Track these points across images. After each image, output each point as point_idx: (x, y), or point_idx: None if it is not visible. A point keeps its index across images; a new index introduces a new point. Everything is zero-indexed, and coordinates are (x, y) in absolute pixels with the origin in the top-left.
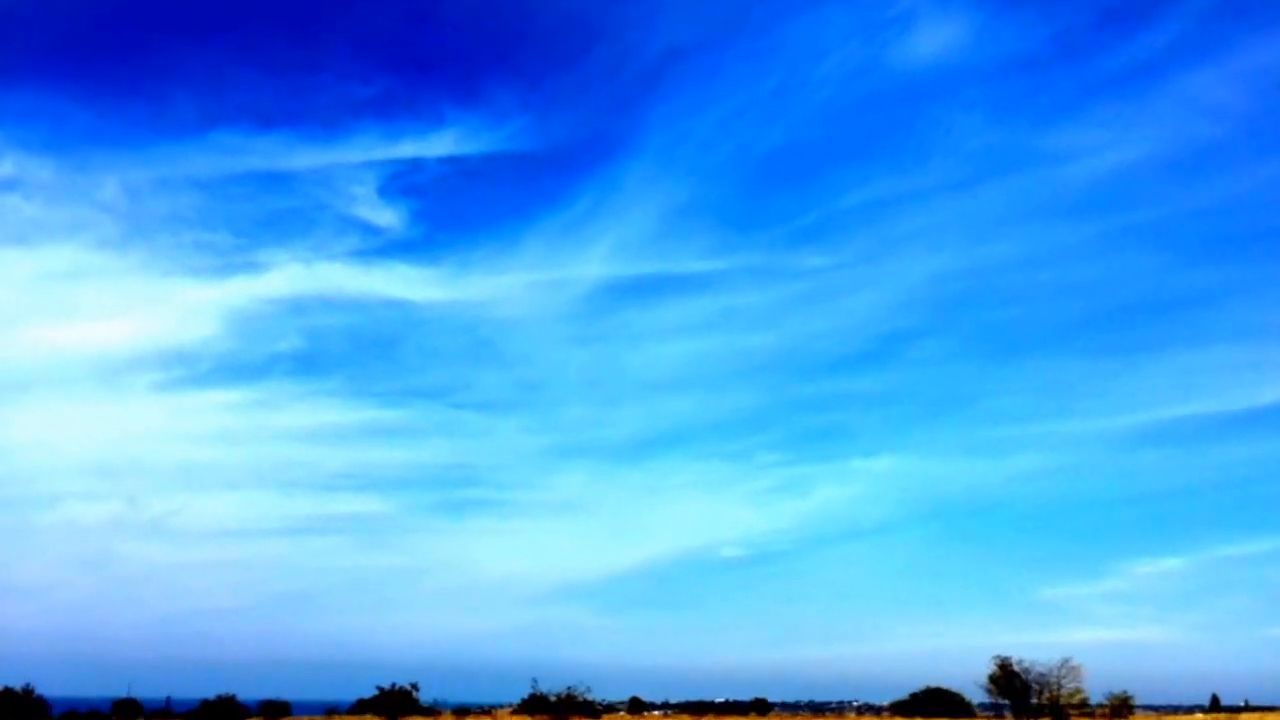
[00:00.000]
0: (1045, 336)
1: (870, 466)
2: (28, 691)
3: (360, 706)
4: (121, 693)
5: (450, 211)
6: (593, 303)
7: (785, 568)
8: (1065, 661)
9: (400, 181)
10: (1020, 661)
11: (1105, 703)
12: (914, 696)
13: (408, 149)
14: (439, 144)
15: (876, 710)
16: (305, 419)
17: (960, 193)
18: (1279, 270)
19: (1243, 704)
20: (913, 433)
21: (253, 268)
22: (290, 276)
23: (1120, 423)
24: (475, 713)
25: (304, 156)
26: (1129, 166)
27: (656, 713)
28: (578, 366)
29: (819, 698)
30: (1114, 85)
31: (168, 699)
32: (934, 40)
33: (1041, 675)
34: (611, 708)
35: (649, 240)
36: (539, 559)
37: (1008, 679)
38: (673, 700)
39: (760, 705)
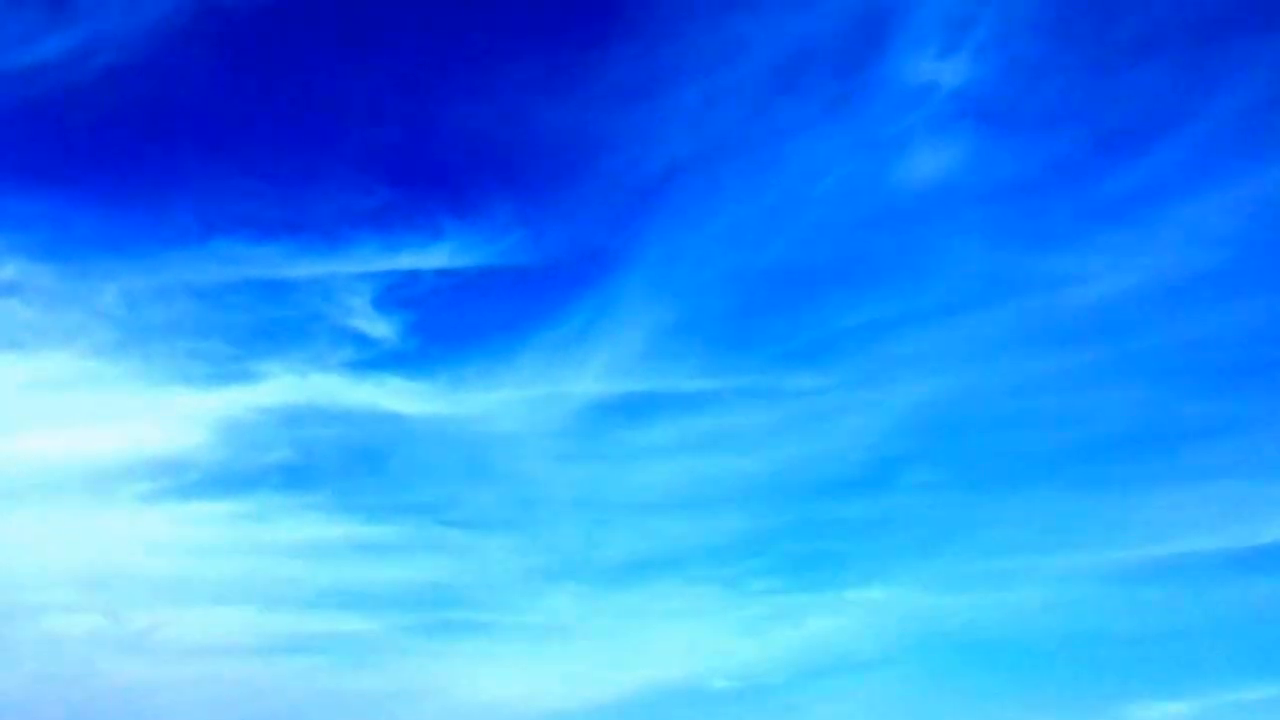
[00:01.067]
0: (1044, 466)
1: (864, 596)
2: None
3: None
4: None
5: (445, 324)
6: (585, 420)
7: (778, 701)
8: None
9: (396, 293)
10: None
11: None
12: None
13: (405, 261)
14: (436, 256)
15: None
16: (292, 533)
17: (957, 316)
18: (1278, 403)
19: None
20: (907, 563)
21: (247, 377)
22: (283, 387)
23: (1120, 557)
24: None
25: (302, 266)
26: (1128, 293)
27: None
28: (568, 485)
29: None
30: (1113, 211)
31: None
32: (932, 162)
33: None
34: None
35: (642, 357)
36: (525, 685)
37: None
38: None
39: None
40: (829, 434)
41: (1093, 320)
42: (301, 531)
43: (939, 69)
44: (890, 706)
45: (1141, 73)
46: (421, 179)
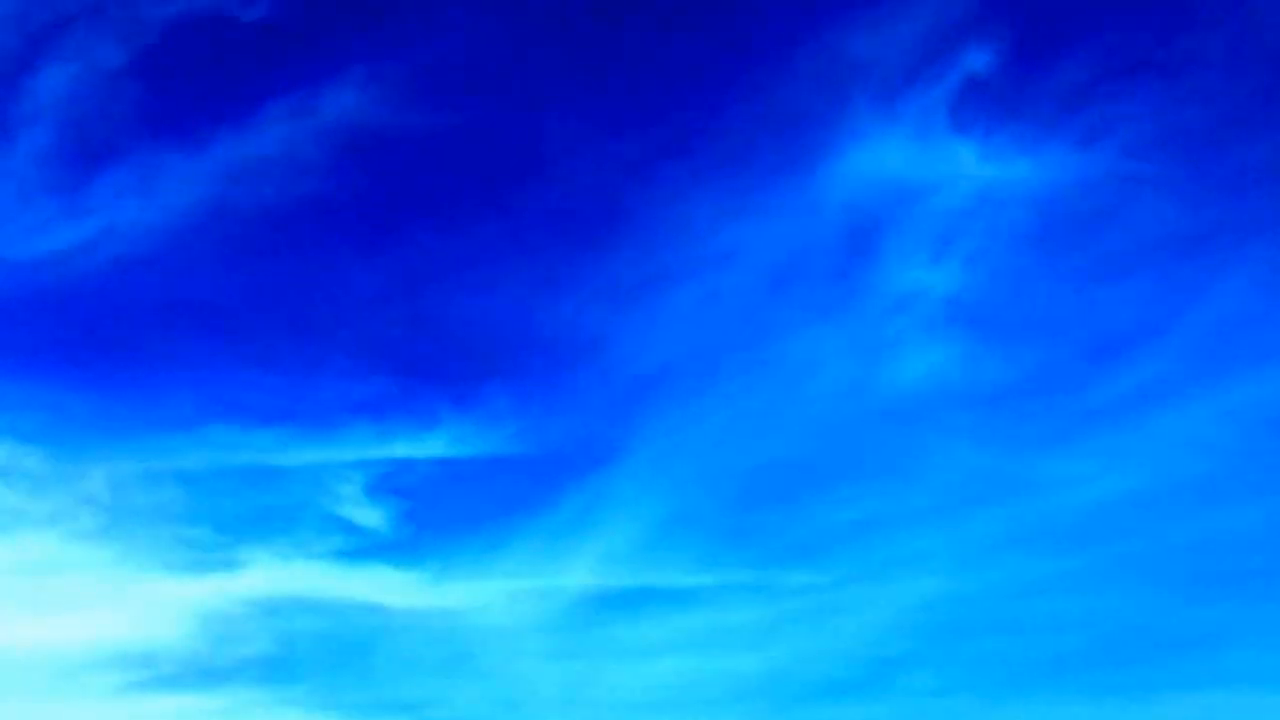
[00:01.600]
0: (1041, 671)
1: None
2: None
3: None
4: None
5: (437, 513)
6: (576, 614)
7: None
8: None
9: (390, 482)
10: None
11: None
12: None
13: (400, 449)
14: (431, 445)
15: None
16: None
17: (952, 516)
18: (1276, 610)
19: None
20: None
21: (230, 565)
22: (267, 576)
23: None
24: None
25: (295, 454)
26: (1121, 497)
27: None
28: (557, 683)
29: None
30: (1103, 417)
31: None
32: (924, 364)
33: None
34: None
35: (636, 551)
36: None
37: None
38: None
39: None
40: (825, 633)
41: (1087, 524)
42: None
43: (929, 276)
44: None
45: (1126, 283)
46: (420, 369)
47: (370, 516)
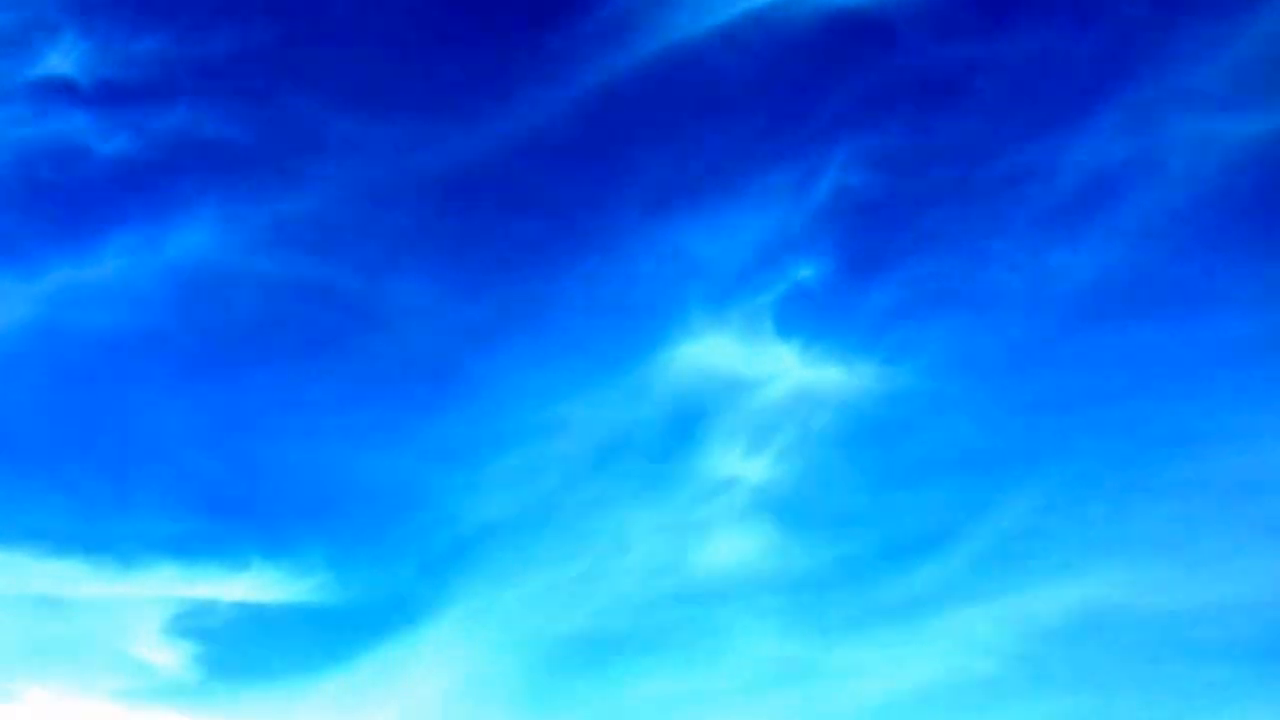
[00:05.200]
0: None
1: None
2: None
3: None
4: None
5: (236, 658)
6: None
7: None
8: None
9: (189, 621)
10: None
11: None
12: None
13: (203, 590)
14: (236, 588)
15: None
16: None
17: (748, 697)
18: None
19: None
20: None
21: (5, 698)
22: (42, 710)
23: None
24: None
25: (91, 585)
26: (904, 691)
27: None
28: None
29: None
30: (892, 613)
31: None
32: (731, 550)
33: None
34: None
35: (437, 709)
36: None
37: None
38: None
39: None
40: None
41: (872, 715)
42: None
43: (743, 466)
44: None
45: (922, 490)
46: (232, 511)
47: (164, 656)
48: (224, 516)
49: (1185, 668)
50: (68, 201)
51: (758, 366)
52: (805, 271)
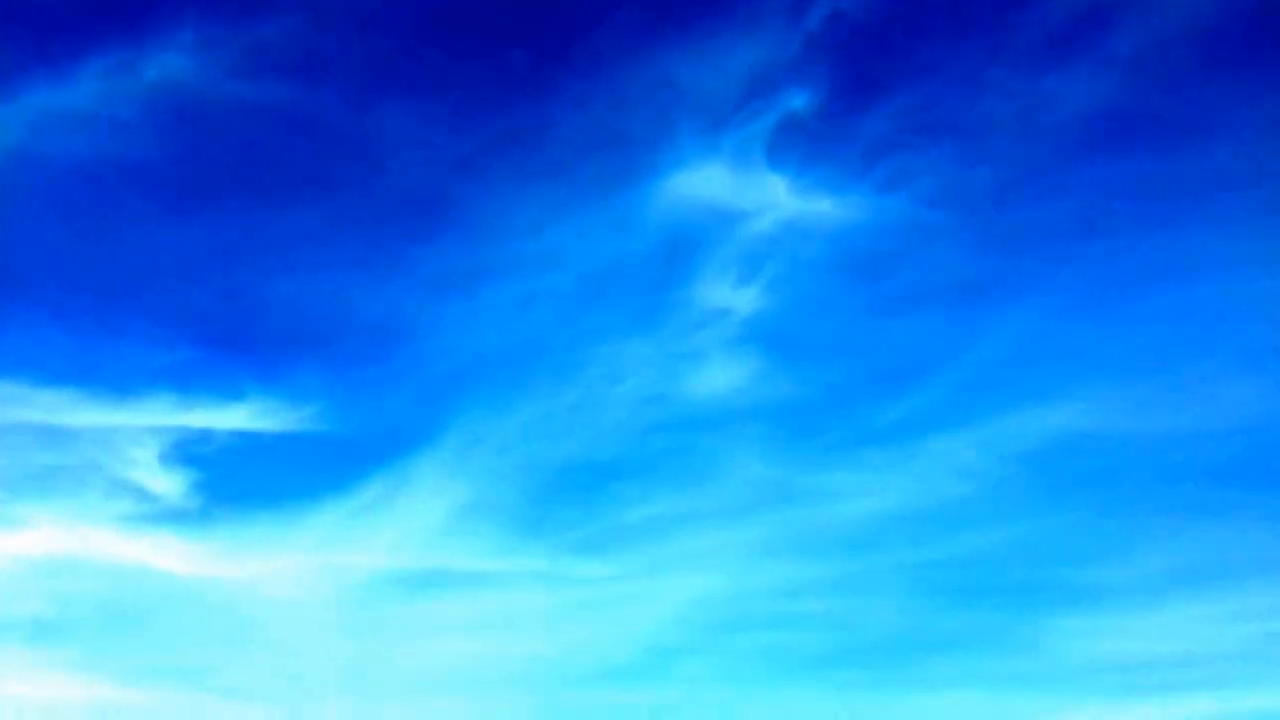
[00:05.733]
0: (802, 666)
1: None
2: None
3: None
4: None
5: (233, 486)
6: (368, 593)
7: None
8: None
9: (186, 450)
10: None
11: None
12: None
13: (199, 419)
14: (232, 417)
15: None
16: (33, 691)
17: (734, 520)
18: (1016, 621)
19: None
20: None
21: (8, 522)
22: (48, 536)
23: None
24: None
25: (87, 414)
26: (886, 513)
27: None
28: (343, 658)
29: None
30: (877, 438)
31: None
32: (722, 379)
33: None
34: None
35: (432, 535)
36: None
37: None
38: None
39: None
40: (608, 621)
41: (856, 534)
42: (43, 690)
43: (734, 296)
44: None
45: (909, 319)
46: (227, 341)
47: (162, 483)
48: (217, 346)
49: (1162, 490)
50: (43, 24)
51: (749, 197)
52: (797, 100)
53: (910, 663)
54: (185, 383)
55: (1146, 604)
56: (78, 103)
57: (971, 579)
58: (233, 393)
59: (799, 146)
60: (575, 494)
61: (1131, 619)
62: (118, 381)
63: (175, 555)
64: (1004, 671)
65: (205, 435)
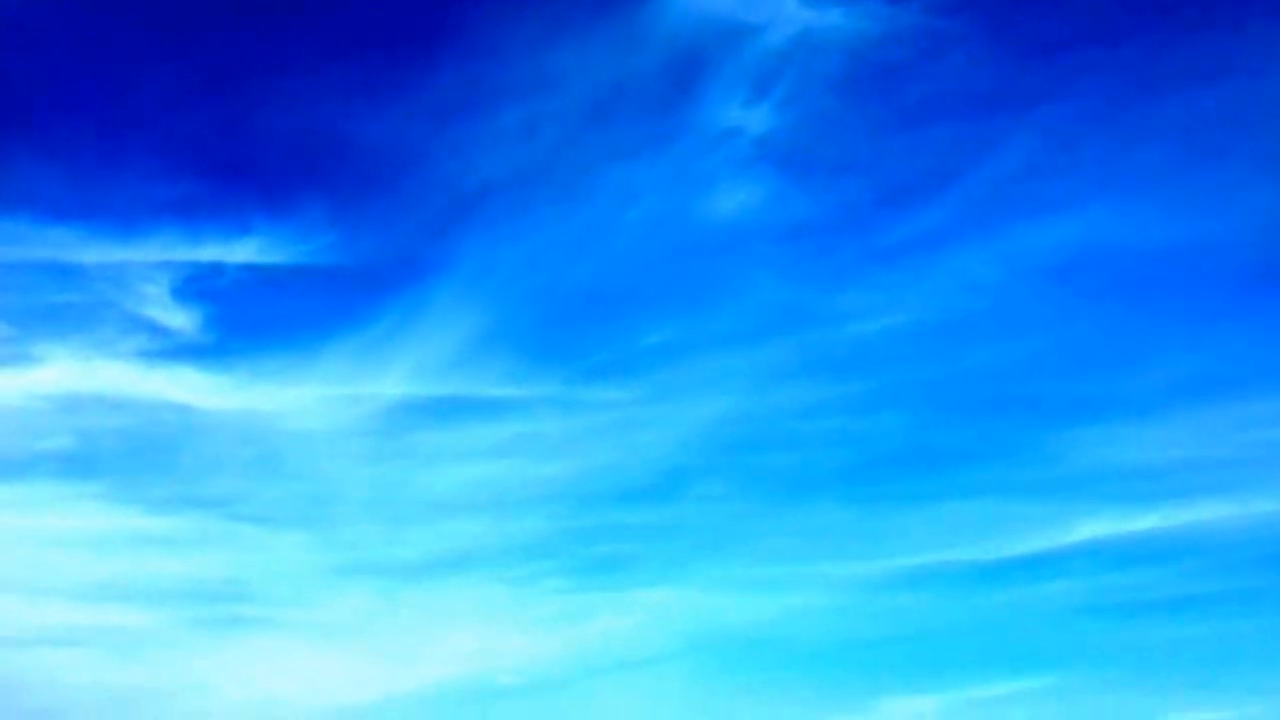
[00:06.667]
0: (818, 482)
1: (650, 598)
2: None
3: None
4: None
5: (246, 319)
6: (387, 421)
7: (564, 696)
8: None
9: (197, 285)
10: None
11: None
12: None
13: (208, 253)
14: (242, 250)
15: None
16: (66, 523)
17: (748, 342)
18: (1028, 432)
19: None
20: (692, 567)
21: (26, 360)
22: (66, 372)
23: (885, 566)
24: None
25: (96, 251)
26: (900, 330)
27: None
28: (366, 483)
29: None
30: (891, 256)
31: None
32: (733, 200)
33: None
34: None
35: (448, 363)
36: (308, 681)
37: None
38: None
39: None
40: (625, 445)
41: (868, 353)
42: (77, 521)
43: (745, 116)
44: (670, 699)
45: (922, 134)
46: (232, 173)
47: (176, 318)
48: (220, 179)
49: (1175, 299)
50: None
51: (758, 10)
52: None
53: (925, 475)
54: (191, 217)
55: (1158, 412)
56: None
57: (985, 392)
58: (240, 226)
59: None
60: (589, 319)
61: (1143, 427)
62: (123, 217)
63: (195, 389)
64: (1017, 481)
65: (215, 269)
